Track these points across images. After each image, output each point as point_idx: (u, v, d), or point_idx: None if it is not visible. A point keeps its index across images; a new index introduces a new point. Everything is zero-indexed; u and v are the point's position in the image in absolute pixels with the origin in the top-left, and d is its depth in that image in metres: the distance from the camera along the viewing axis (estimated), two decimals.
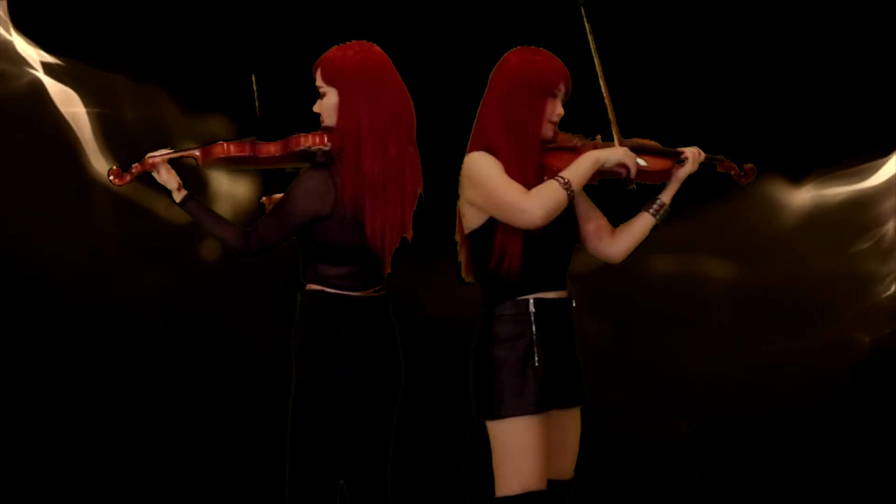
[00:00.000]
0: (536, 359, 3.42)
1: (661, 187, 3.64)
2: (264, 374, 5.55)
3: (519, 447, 3.38)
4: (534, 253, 3.46)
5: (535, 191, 3.36)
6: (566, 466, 3.57)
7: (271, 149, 3.70)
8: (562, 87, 3.49)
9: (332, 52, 3.74)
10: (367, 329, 3.70)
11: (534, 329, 3.43)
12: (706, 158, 3.62)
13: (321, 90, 3.74)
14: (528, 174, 3.42)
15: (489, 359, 3.45)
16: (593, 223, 3.62)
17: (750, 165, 3.75)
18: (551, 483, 3.50)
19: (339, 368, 3.66)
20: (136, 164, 3.74)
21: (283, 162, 3.76)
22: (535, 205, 3.34)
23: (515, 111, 3.45)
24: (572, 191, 3.37)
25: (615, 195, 3.63)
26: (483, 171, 3.41)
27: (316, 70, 3.75)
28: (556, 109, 3.49)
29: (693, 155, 3.56)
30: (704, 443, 5.58)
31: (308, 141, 3.67)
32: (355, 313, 3.70)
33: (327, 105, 3.72)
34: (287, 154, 3.69)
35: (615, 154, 3.42)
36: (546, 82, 3.45)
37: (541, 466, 3.39)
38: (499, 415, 3.40)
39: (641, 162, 3.49)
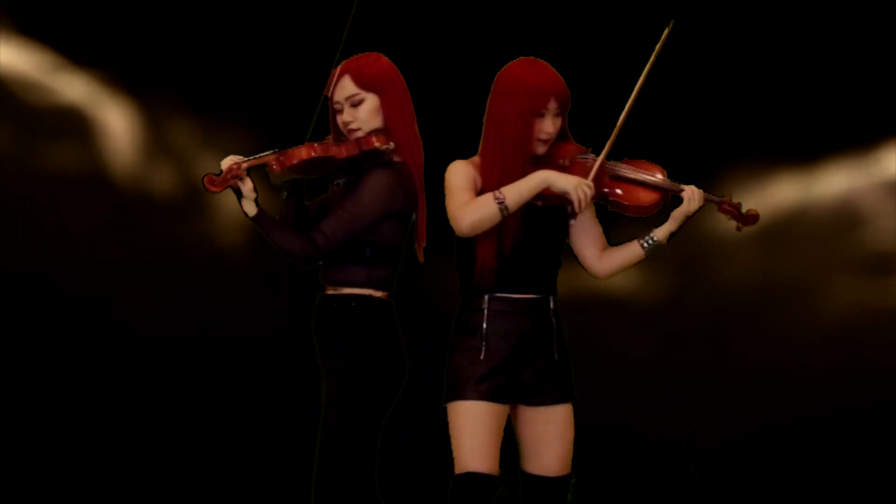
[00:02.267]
0: (483, 353, 3.53)
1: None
2: (265, 375, 5.58)
3: (457, 430, 3.54)
4: (505, 259, 3.55)
5: (470, 202, 3.48)
6: (549, 463, 3.59)
7: (343, 150, 3.67)
8: (550, 106, 3.53)
9: (358, 60, 3.76)
10: (399, 333, 3.80)
11: (484, 325, 3.55)
12: (706, 198, 3.57)
13: (356, 97, 3.73)
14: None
15: (451, 347, 3.63)
16: (588, 235, 3.66)
17: (754, 211, 3.61)
18: (535, 479, 3.57)
19: (394, 374, 3.73)
20: (228, 171, 3.56)
21: (346, 166, 3.73)
22: (464, 215, 3.48)
23: (503, 132, 3.53)
24: (505, 206, 3.45)
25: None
26: (448, 178, 3.57)
27: (341, 79, 3.74)
28: (545, 128, 3.53)
29: (689, 194, 3.55)
30: (706, 443, 5.59)
31: (379, 141, 3.68)
32: (393, 318, 3.79)
33: (366, 111, 3.73)
34: (357, 155, 3.69)
35: (565, 182, 3.44)
36: (531, 105, 3.50)
37: (476, 449, 3.50)
38: (445, 399, 3.60)
39: (587, 192, 3.43)
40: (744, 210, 3.58)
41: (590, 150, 3.60)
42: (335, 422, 3.73)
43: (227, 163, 3.58)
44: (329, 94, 3.79)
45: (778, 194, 5.67)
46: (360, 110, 3.74)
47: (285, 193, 3.76)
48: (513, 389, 3.56)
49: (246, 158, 3.59)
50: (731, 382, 5.58)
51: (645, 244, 3.56)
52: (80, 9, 5.46)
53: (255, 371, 5.59)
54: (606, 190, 3.54)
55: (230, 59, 5.58)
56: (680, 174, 5.58)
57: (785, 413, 5.54)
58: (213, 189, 3.56)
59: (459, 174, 3.54)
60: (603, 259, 3.63)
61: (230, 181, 3.57)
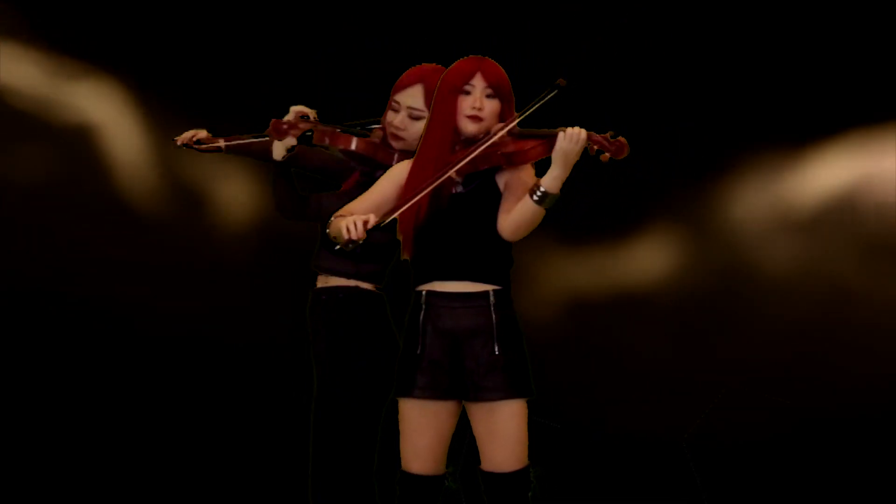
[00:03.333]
0: (419, 348, 3.57)
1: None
2: (267, 374, 5.59)
3: (401, 427, 3.60)
4: (424, 246, 3.59)
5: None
6: (499, 459, 3.56)
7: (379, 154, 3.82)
8: (476, 83, 3.57)
9: (433, 73, 3.78)
10: (389, 324, 3.87)
11: (420, 319, 3.58)
12: (589, 138, 3.45)
13: (419, 112, 3.82)
14: (429, 163, 3.55)
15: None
16: (505, 205, 3.60)
17: (621, 139, 3.45)
18: (488, 475, 3.57)
19: (384, 366, 3.77)
20: (292, 122, 3.80)
21: (360, 161, 3.88)
22: None
23: (431, 115, 3.61)
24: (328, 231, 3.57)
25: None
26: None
27: (414, 85, 3.83)
28: (472, 103, 3.56)
29: (563, 133, 3.44)
30: (707, 444, 5.58)
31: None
32: (382, 309, 3.87)
33: (420, 127, 3.77)
34: (374, 157, 3.84)
35: (343, 220, 3.48)
36: (450, 82, 3.58)
37: (415, 450, 3.57)
38: (392, 394, 3.66)
39: (357, 223, 3.43)
40: (615, 139, 3.46)
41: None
42: (324, 415, 3.81)
43: (295, 113, 3.81)
44: (396, 93, 3.85)
45: (812, 180, 5.66)
46: (416, 125, 3.81)
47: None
48: (454, 386, 3.56)
49: (312, 120, 3.81)
50: (752, 379, 5.56)
51: (533, 195, 3.47)
52: (82, 14, 5.49)
53: (256, 371, 5.61)
54: (502, 150, 3.51)
55: (230, 60, 5.60)
56: (691, 164, 5.57)
57: (801, 413, 5.52)
58: (277, 137, 3.76)
59: (385, 175, 3.64)
60: (506, 218, 3.56)
61: (290, 132, 3.77)
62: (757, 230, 5.66)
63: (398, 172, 3.63)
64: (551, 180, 3.44)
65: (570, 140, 3.41)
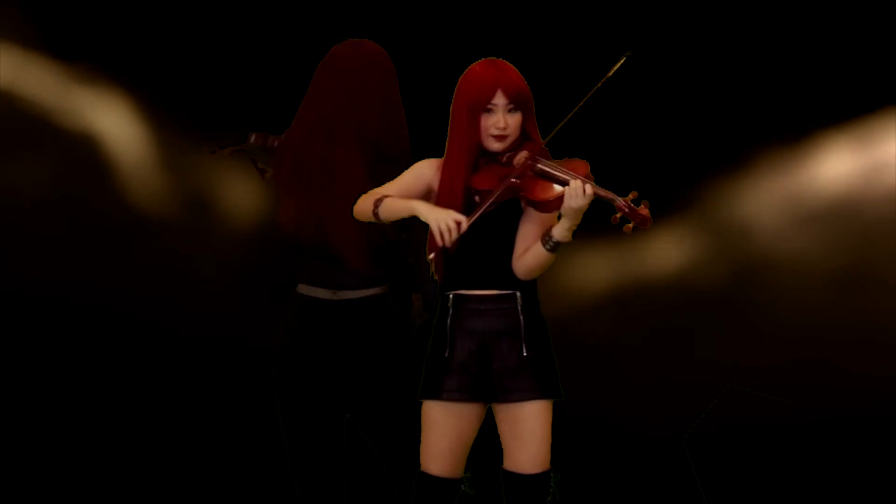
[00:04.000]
0: (447, 351, 3.57)
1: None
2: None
3: (423, 429, 3.60)
4: (451, 259, 3.59)
5: (367, 193, 3.57)
6: (522, 460, 3.58)
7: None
8: (497, 101, 3.54)
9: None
10: (318, 334, 3.81)
11: (448, 322, 3.58)
12: (596, 193, 3.46)
13: None
14: (457, 187, 3.55)
15: (425, 345, 3.68)
16: (521, 237, 3.63)
17: (645, 211, 3.42)
18: (511, 475, 3.58)
19: (283, 372, 3.83)
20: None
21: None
22: (356, 202, 3.58)
23: (454, 127, 3.59)
24: (377, 213, 3.50)
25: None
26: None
27: None
28: (496, 122, 3.54)
29: (568, 189, 3.45)
30: (708, 445, 5.59)
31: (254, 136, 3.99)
32: (307, 318, 3.83)
33: None
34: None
35: (431, 216, 3.43)
36: (476, 99, 3.53)
37: (430, 451, 3.58)
38: (418, 396, 3.64)
39: (463, 226, 3.39)
40: (639, 206, 3.45)
41: (546, 150, 3.59)
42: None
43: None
44: None
45: (821, 172, 5.68)
46: None
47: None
48: (481, 388, 3.57)
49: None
50: (763, 378, 5.56)
51: (546, 244, 3.52)
52: (90, 22, 5.51)
53: (264, 374, 5.63)
54: (524, 189, 3.50)
55: (237, 68, 5.62)
56: (698, 162, 5.58)
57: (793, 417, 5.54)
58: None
59: (410, 171, 3.62)
60: (518, 261, 3.60)
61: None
62: (769, 225, 5.66)
63: (424, 171, 3.61)
64: (562, 231, 3.48)
65: (576, 197, 3.41)
